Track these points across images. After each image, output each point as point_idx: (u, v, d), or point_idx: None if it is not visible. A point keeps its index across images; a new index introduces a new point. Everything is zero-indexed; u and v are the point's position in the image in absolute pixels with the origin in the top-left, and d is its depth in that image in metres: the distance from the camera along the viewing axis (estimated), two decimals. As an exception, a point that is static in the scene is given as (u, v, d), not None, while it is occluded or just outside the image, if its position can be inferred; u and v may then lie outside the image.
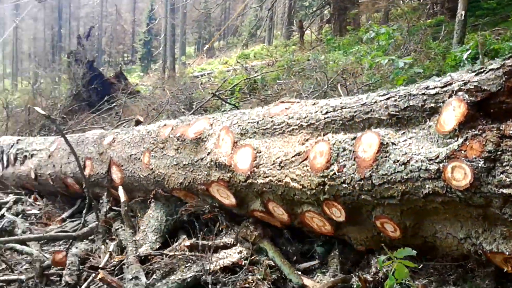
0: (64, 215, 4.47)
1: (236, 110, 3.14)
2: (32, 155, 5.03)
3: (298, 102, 2.66)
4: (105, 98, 10.22)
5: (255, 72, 10.59)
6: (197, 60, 24.00)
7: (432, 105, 1.88)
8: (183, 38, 24.93)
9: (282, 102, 2.75)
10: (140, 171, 3.42)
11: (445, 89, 1.84)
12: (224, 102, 7.34)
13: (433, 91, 1.89)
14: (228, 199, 2.79)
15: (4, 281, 2.87)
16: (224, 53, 27.38)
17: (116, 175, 3.74)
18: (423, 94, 1.91)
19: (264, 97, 7.09)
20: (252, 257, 2.61)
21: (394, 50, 7.40)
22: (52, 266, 3.00)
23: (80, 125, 8.72)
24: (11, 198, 4.85)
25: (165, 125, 3.43)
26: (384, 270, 2.07)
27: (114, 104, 10.06)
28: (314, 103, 2.51)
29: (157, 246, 3.03)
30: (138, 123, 5.02)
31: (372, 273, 2.20)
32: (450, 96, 1.80)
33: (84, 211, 3.84)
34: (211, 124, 2.96)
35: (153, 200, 3.33)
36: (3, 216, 4.34)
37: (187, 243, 2.81)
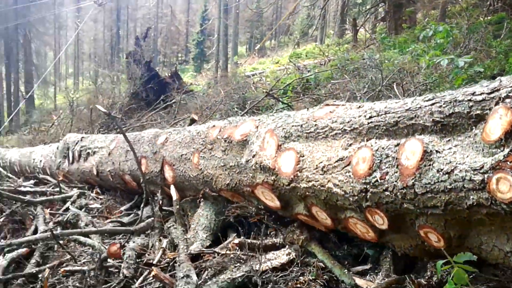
0: (122, 208, 4.69)
1: (282, 112, 3.14)
2: (94, 152, 5.31)
3: (343, 105, 2.63)
4: (161, 97, 10.62)
5: (308, 71, 10.36)
6: (248, 60, 24.29)
7: (478, 112, 1.81)
8: (235, 38, 25.37)
9: (327, 105, 2.73)
10: (190, 171, 3.53)
11: (492, 95, 1.77)
12: (277, 101, 7.34)
13: (479, 98, 1.81)
14: (273, 202, 2.82)
15: (69, 271, 3.05)
16: (275, 52, 27.48)
17: (168, 174, 3.87)
18: (469, 100, 1.84)
19: (318, 97, 6.98)
20: (301, 259, 2.62)
21: (453, 49, 7.08)
22: (108, 257, 3.12)
23: (140, 122, 9.13)
24: (75, 192, 5.10)
25: (213, 126, 3.50)
26: (439, 275, 2.04)
27: (170, 102, 10.38)
28: (359, 106, 2.47)
29: (208, 244, 3.13)
30: (193, 121, 5.12)
31: (427, 277, 2.17)
32: (496, 103, 1.73)
33: (141, 206, 3.96)
34: (257, 127, 2.99)
35: (202, 199, 3.43)
36: (68, 209, 4.59)
37: (236, 240, 2.89)
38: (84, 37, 53.74)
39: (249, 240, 2.85)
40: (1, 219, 4.44)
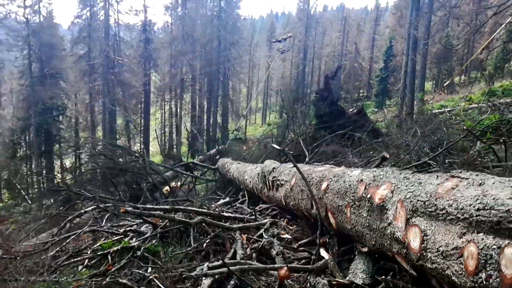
0: (302, 242, 5.01)
1: (415, 177, 2.97)
2: (282, 185, 5.80)
3: (466, 179, 2.47)
4: (347, 133, 10.91)
5: (510, 112, 9.20)
6: (435, 96, 23.14)
7: None
8: (423, 74, 24.38)
9: (453, 176, 2.60)
10: (345, 223, 3.73)
11: None
12: (475, 144, 6.78)
13: None
14: (411, 271, 2.87)
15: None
16: (468, 89, 25.35)
17: (332, 220, 4.10)
18: None
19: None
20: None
21: None
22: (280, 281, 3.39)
23: (325, 155, 9.50)
24: (267, 220, 5.57)
25: (361, 181, 3.52)
26: None
27: (361, 145, 10.03)
28: (480, 184, 2.32)
29: (368, 282, 3.31)
30: (384, 159, 5.07)
31: None
32: None
33: (317, 243, 4.14)
34: (392, 192, 2.98)
35: (357, 252, 3.70)
36: (261, 235, 5.08)
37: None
38: (273, 75, 58.50)
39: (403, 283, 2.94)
40: (207, 241, 5.02)
